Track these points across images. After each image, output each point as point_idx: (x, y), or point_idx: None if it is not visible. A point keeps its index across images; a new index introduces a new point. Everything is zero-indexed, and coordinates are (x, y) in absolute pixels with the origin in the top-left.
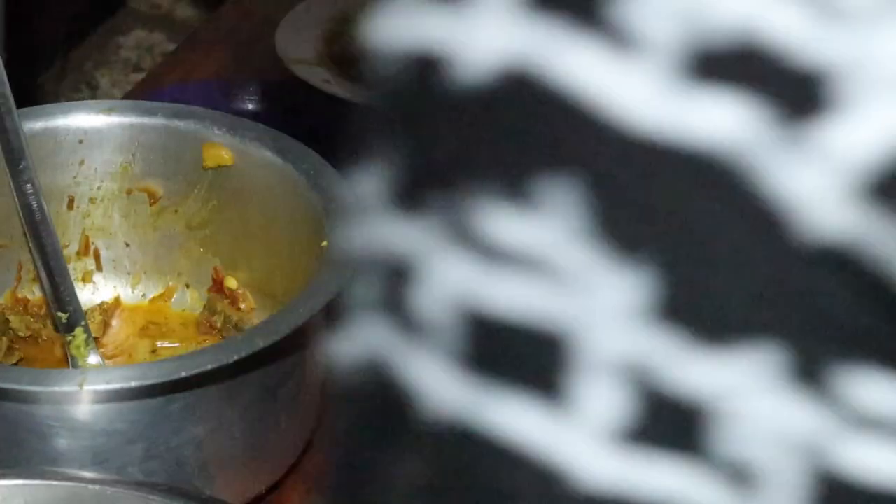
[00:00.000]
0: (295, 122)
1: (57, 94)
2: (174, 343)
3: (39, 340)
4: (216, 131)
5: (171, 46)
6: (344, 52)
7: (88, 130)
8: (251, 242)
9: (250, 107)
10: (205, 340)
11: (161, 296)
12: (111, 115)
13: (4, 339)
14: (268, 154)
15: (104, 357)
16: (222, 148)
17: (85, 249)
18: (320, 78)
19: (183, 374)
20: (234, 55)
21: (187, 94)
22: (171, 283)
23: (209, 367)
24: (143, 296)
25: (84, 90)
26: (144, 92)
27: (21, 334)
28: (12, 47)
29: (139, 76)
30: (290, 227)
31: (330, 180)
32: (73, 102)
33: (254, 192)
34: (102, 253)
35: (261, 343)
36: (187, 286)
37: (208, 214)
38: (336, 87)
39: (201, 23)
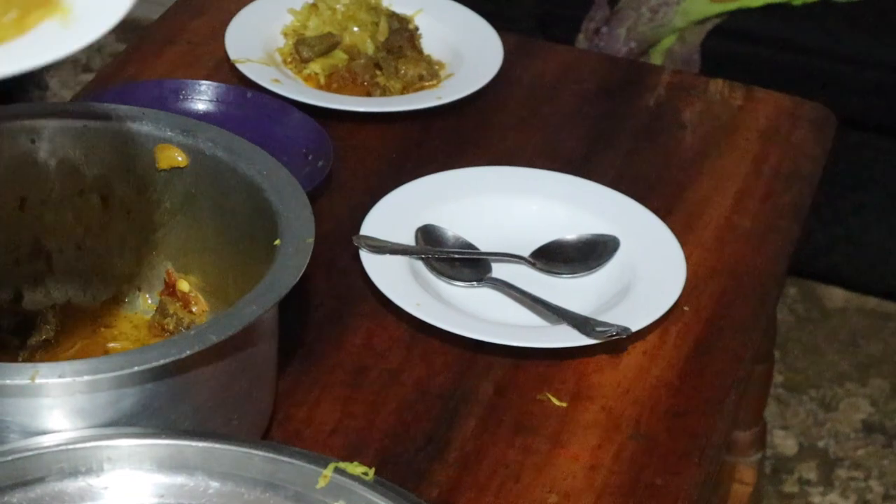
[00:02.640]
0: (245, 122)
1: (6, 95)
2: (125, 346)
3: None
4: (169, 133)
5: (121, 47)
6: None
7: (41, 132)
8: (204, 244)
9: (200, 107)
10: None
11: (113, 298)
12: (63, 117)
13: None
14: (221, 155)
15: (56, 359)
16: (176, 149)
17: (36, 251)
18: (269, 77)
19: (136, 369)
20: (183, 55)
21: (137, 95)
22: (122, 286)
23: (161, 361)
24: (94, 298)
25: (33, 91)
26: (93, 92)
27: None
28: None
29: (89, 76)
30: (242, 229)
31: (281, 181)
32: (24, 104)
33: (207, 194)
34: (54, 255)
35: (213, 338)
36: (139, 289)
37: (161, 217)
38: (285, 86)
39: (151, 23)
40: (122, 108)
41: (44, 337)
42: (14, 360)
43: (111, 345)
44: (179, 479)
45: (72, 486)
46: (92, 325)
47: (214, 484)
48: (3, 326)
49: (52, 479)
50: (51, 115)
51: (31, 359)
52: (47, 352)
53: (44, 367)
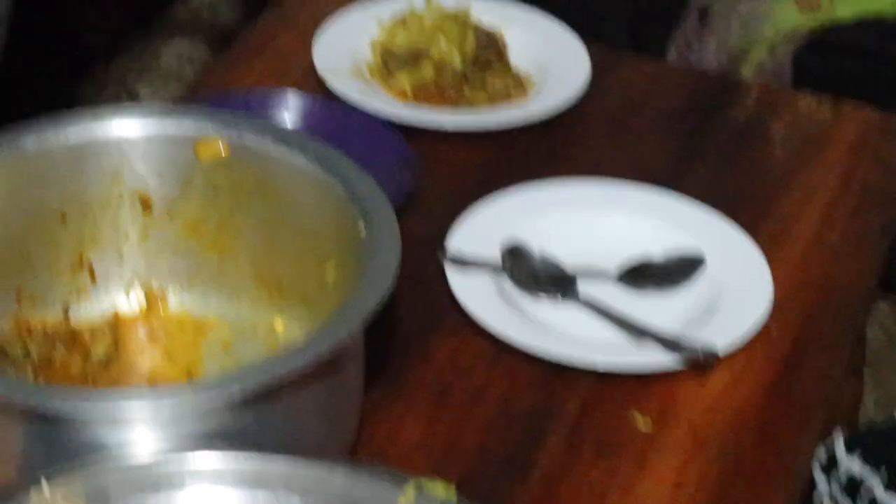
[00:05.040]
0: (331, 134)
1: (97, 103)
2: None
3: (54, 363)
4: (209, 126)
5: (212, 56)
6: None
7: (79, 144)
8: (256, 241)
9: (287, 117)
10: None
11: (157, 299)
12: (99, 121)
13: (29, 366)
14: (267, 144)
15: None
16: (216, 141)
17: (79, 263)
18: (356, 89)
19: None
20: (272, 65)
21: (225, 104)
22: (165, 286)
23: (252, 386)
24: (139, 304)
25: (124, 99)
26: (183, 103)
27: (36, 358)
28: (55, 56)
29: (180, 86)
30: (295, 219)
31: (341, 165)
32: (63, 114)
33: (256, 190)
34: (95, 266)
35: (301, 362)
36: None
37: (202, 213)
38: (372, 99)
39: (241, 33)
40: (159, 107)
41: (103, 353)
42: (82, 380)
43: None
44: (261, 496)
45: (154, 500)
46: (140, 333)
47: (295, 500)
48: (56, 345)
49: (134, 494)
50: (88, 123)
51: (96, 377)
52: (108, 368)
53: (134, 396)
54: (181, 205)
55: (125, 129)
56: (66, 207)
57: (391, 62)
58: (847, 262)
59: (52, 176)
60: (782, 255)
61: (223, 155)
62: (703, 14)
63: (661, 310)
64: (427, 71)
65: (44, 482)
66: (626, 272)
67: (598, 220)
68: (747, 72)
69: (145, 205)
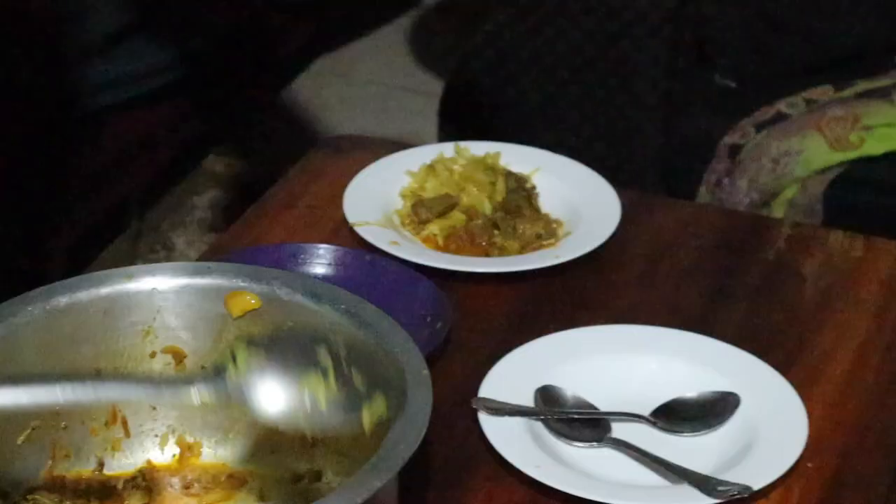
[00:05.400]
0: (364, 285)
1: (134, 255)
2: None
3: None
4: (239, 280)
5: (245, 205)
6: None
7: (111, 299)
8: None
9: (320, 271)
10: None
11: (191, 451)
12: (132, 279)
13: None
14: (299, 297)
15: None
16: (245, 295)
17: (112, 418)
18: (388, 240)
19: None
20: (303, 218)
21: (257, 259)
22: (199, 438)
23: None
24: (173, 456)
25: (160, 251)
26: (215, 257)
27: None
28: (92, 211)
29: (214, 236)
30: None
31: (399, 343)
32: (95, 274)
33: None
34: (129, 420)
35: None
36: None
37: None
38: (403, 248)
39: (272, 186)
40: (190, 266)
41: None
42: None
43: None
44: None
45: None
46: (174, 484)
47: None
48: (91, 500)
49: None
50: (122, 281)
51: None
52: None
53: None
54: (214, 357)
55: (156, 284)
56: (99, 363)
57: (421, 210)
58: (882, 399)
59: (85, 332)
60: (817, 394)
61: (255, 307)
62: (734, 152)
63: (696, 451)
64: (458, 218)
65: None
66: (660, 413)
67: (632, 363)
68: (778, 209)
69: (178, 359)
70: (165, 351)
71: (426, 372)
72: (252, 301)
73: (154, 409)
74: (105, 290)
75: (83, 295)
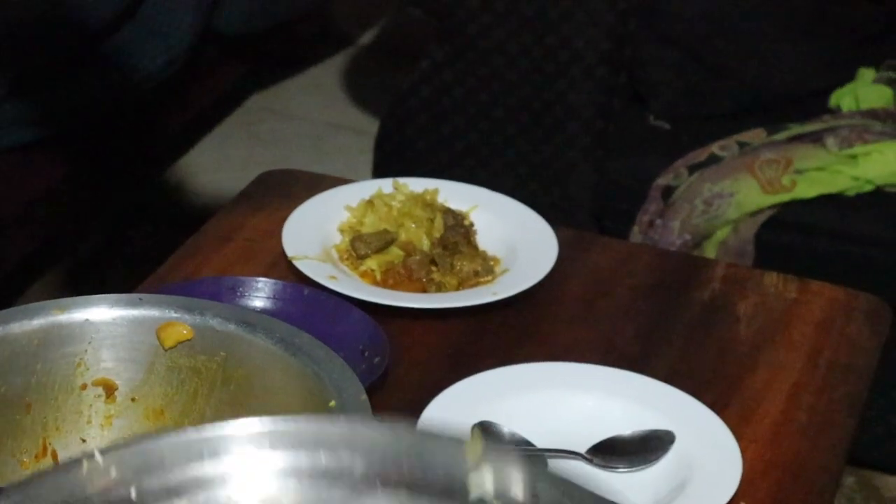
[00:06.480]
0: (302, 319)
1: (66, 288)
2: None
3: None
4: (172, 312)
5: (182, 240)
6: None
7: (43, 331)
8: (217, 420)
9: (258, 304)
10: None
11: None
12: (64, 311)
13: None
14: (232, 327)
15: None
16: (178, 326)
17: (42, 451)
18: (326, 274)
19: None
20: (241, 251)
21: (194, 292)
22: None
23: None
24: None
25: (95, 283)
26: (152, 289)
27: None
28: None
29: (150, 270)
30: (261, 400)
31: (309, 347)
32: (28, 305)
33: (220, 371)
34: (59, 452)
35: None
36: None
37: (166, 397)
38: (341, 283)
39: (210, 219)
40: (122, 297)
41: None
42: None
43: None
44: (323, 456)
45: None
46: None
47: (359, 460)
48: None
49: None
50: (51, 314)
51: None
52: None
53: None
54: (145, 389)
55: (89, 315)
56: (30, 396)
57: (360, 245)
58: (815, 439)
59: (17, 364)
60: (751, 434)
61: (187, 338)
62: (667, 194)
63: (632, 488)
64: (396, 254)
65: (97, 453)
66: (596, 451)
67: (569, 400)
68: (710, 250)
69: (109, 391)
70: (96, 383)
71: (364, 397)
72: (184, 332)
73: (84, 441)
74: (38, 322)
75: (15, 326)
